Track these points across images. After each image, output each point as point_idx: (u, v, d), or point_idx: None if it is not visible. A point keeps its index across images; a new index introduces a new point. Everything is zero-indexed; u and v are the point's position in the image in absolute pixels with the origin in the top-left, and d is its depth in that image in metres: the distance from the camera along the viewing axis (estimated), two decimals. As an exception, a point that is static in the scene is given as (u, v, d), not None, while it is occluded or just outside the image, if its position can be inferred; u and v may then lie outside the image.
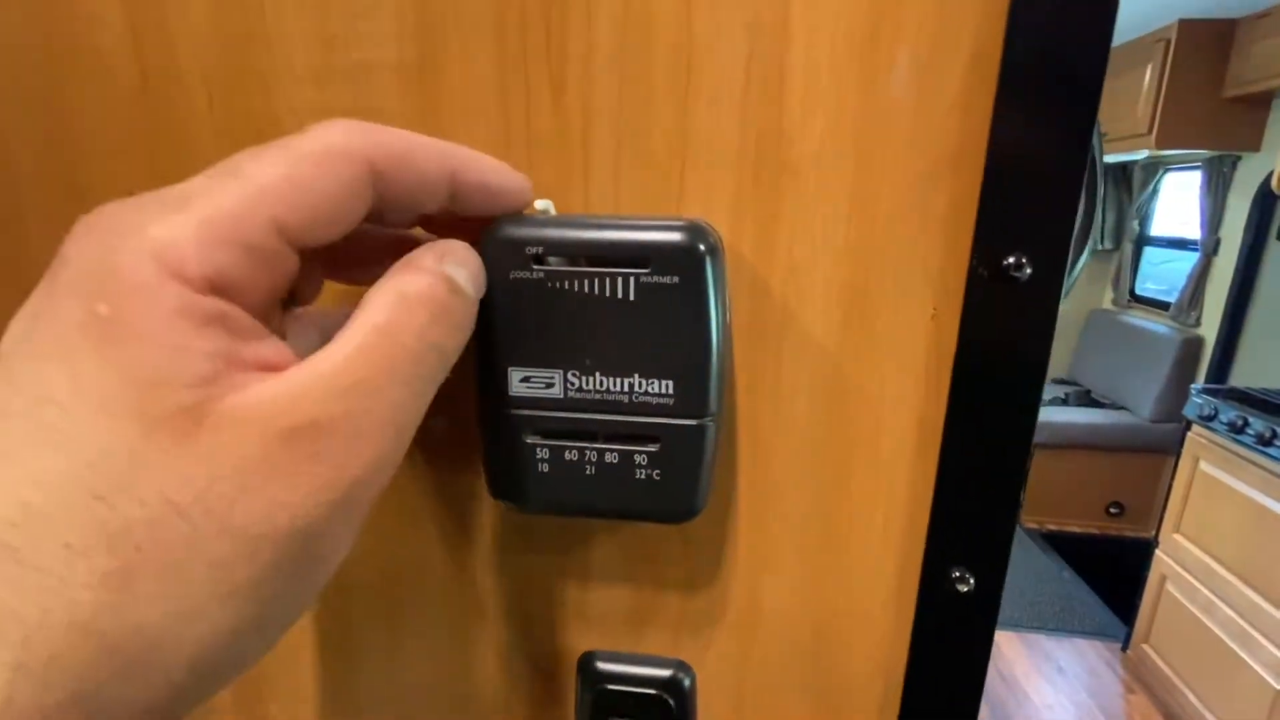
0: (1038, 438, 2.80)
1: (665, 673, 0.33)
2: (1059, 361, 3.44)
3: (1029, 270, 0.24)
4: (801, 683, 0.32)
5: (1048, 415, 2.89)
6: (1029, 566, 2.69)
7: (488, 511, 0.31)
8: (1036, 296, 0.25)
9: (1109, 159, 3.02)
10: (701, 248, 0.22)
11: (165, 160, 0.28)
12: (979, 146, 0.24)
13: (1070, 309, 3.44)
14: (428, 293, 0.18)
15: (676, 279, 0.23)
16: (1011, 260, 0.24)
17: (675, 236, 0.22)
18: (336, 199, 0.17)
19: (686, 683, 0.32)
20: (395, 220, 0.20)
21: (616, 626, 0.32)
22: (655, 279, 0.23)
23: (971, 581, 0.28)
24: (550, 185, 0.26)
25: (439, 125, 0.27)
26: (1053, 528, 2.97)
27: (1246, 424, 1.74)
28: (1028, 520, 3.00)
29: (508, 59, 0.25)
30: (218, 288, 0.15)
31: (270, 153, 0.16)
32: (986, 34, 0.23)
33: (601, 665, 0.33)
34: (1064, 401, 3.04)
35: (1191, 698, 1.91)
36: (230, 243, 0.15)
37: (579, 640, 0.33)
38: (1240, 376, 2.59)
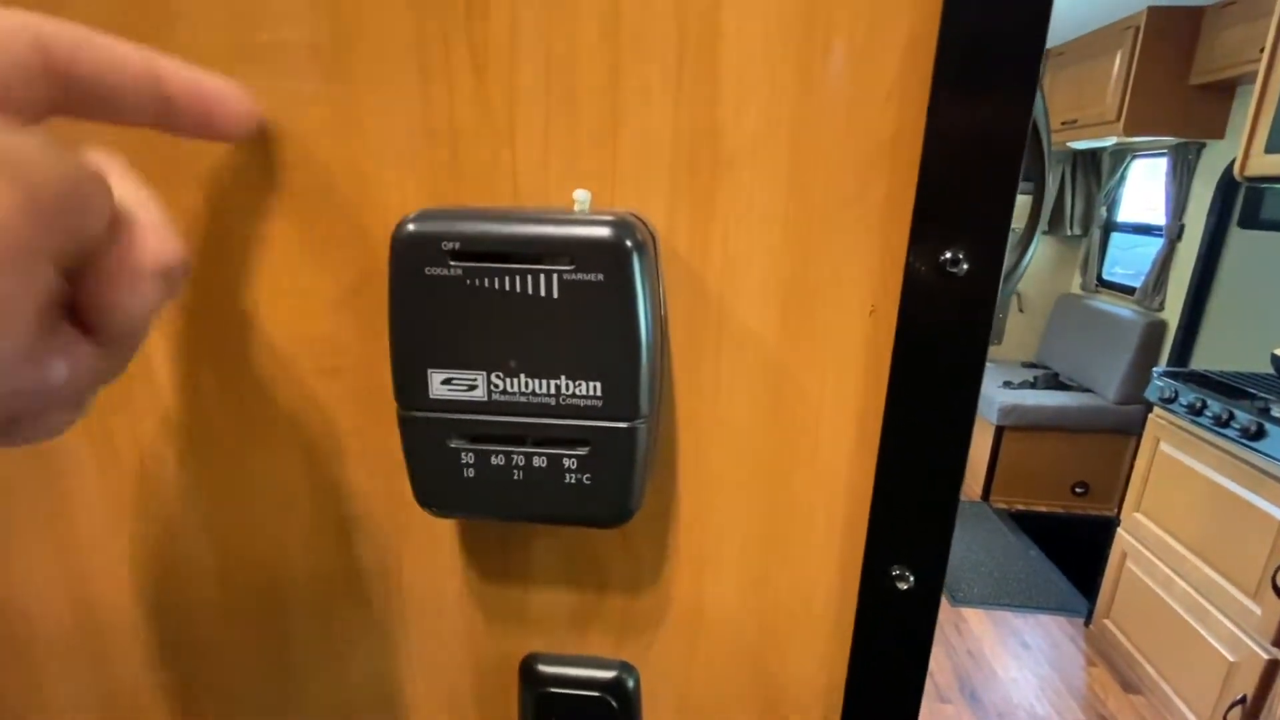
0: (1007, 420, 2.85)
1: (608, 674, 0.32)
2: (1029, 345, 3.50)
3: (965, 266, 0.24)
4: (745, 680, 0.32)
5: (1017, 398, 2.94)
6: (997, 545, 2.75)
7: (423, 515, 0.30)
8: (973, 292, 0.24)
9: (1079, 145, 3.05)
10: (628, 244, 0.21)
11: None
12: (915, 137, 0.23)
13: (1039, 294, 3.49)
14: None
15: (601, 276, 0.22)
16: (948, 255, 0.24)
17: (599, 231, 0.21)
18: None
19: (630, 684, 0.32)
20: (109, 120, 0.19)
21: (559, 628, 0.32)
22: (579, 276, 0.22)
23: (911, 579, 0.28)
24: (476, 179, 0.25)
25: (358, 115, 0.25)
26: (1021, 507, 3.03)
27: (1205, 406, 1.78)
28: (997, 500, 3.06)
29: (426, 36, 0.24)
30: None
31: None
32: (922, 17, 0.22)
33: (544, 668, 0.32)
34: (1033, 385, 3.09)
35: (1150, 670, 1.98)
36: None
37: (522, 643, 0.32)
38: (1201, 359, 2.66)
